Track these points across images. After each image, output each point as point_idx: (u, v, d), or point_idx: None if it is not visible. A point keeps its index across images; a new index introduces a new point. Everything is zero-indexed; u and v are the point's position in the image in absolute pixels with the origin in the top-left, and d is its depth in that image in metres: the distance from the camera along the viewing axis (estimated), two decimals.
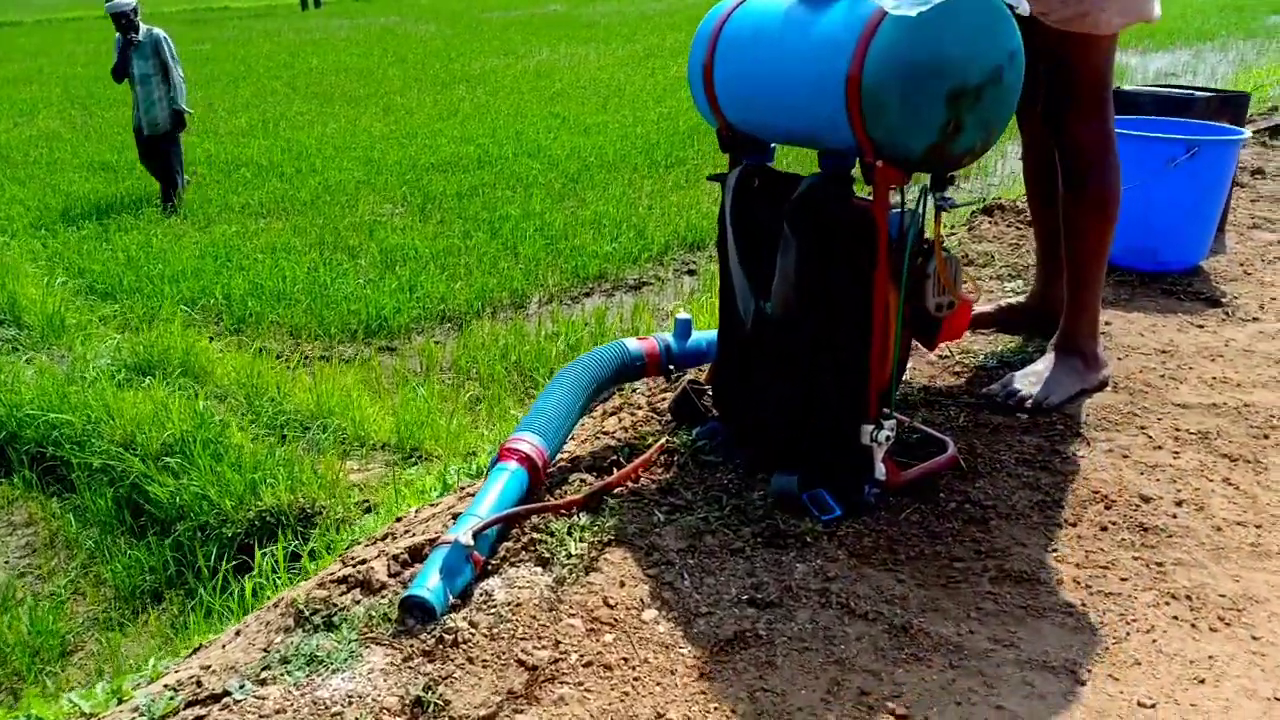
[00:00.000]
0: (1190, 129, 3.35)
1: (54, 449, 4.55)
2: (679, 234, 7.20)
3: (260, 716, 1.50)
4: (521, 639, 1.65)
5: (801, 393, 2.04)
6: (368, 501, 3.79)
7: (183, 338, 5.39)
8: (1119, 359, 2.69)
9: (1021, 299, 2.93)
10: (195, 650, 2.03)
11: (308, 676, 1.58)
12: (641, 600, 1.76)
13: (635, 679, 1.59)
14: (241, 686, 1.57)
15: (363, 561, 1.92)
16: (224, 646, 1.90)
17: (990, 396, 2.45)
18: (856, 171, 1.94)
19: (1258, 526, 1.98)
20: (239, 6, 34.50)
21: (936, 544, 1.91)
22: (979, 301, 2.97)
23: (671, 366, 2.51)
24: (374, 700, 1.52)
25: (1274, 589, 1.79)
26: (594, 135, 10.49)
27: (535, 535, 1.90)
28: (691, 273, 6.65)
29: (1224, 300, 3.12)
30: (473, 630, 1.65)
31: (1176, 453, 2.24)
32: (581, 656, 1.62)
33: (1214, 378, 2.59)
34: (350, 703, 1.52)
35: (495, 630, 1.66)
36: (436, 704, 1.51)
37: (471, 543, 1.78)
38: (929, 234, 1.92)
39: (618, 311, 5.98)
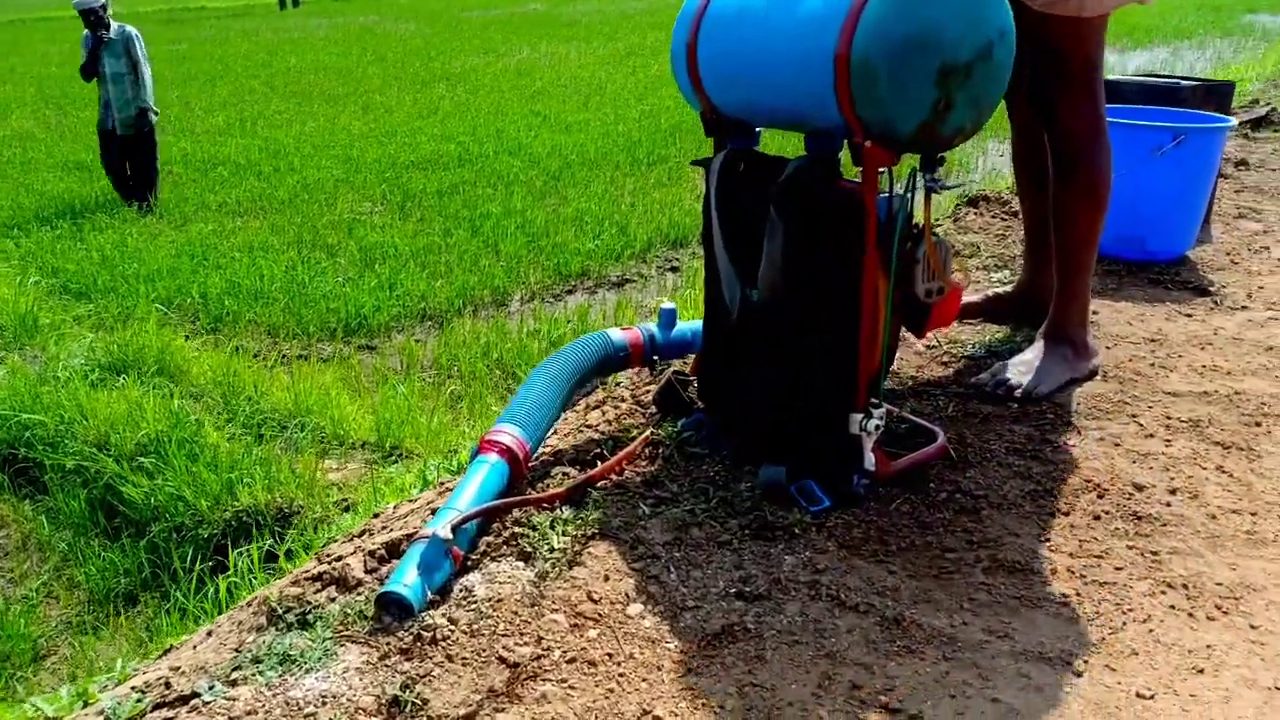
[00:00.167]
0: (1176, 117, 3.32)
1: (26, 450, 4.47)
2: (662, 231, 7.16)
3: (230, 718, 1.44)
4: (503, 635, 1.59)
5: (788, 376, 1.99)
6: (347, 500, 3.72)
7: (158, 337, 5.30)
8: (1108, 347, 2.66)
9: (1009, 289, 2.90)
10: (165, 651, 1.96)
11: (280, 676, 1.52)
12: (626, 594, 1.71)
13: (620, 675, 1.54)
14: (211, 687, 1.51)
15: (339, 558, 1.86)
16: (195, 647, 1.84)
17: (979, 386, 2.41)
18: (844, 155, 1.89)
19: (1253, 514, 1.94)
20: (216, 6, 34.24)
21: (927, 534, 1.87)
22: (966, 291, 2.93)
23: (656, 357, 2.46)
24: (349, 700, 1.46)
25: (1271, 577, 1.76)
26: (575, 133, 10.44)
27: (517, 529, 1.85)
28: (675, 269, 6.61)
29: (1212, 289, 3.10)
30: (452, 627, 1.60)
31: (1168, 441, 2.20)
32: (565, 653, 1.57)
33: (1204, 366, 2.56)
34: (324, 703, 1.46)
35: (475, 627, 1.61)
36: (414, 703, 1.45)
37: (450, 537, 1.72)
38: (918, 218, 1.87)
39: (600, 309, 5.93)
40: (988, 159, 8.73)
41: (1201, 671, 1.54)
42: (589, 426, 2.35)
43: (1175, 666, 1.55)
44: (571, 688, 1.50)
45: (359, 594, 1.72)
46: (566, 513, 1.91)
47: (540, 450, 2.23)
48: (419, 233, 7.30)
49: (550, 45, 18.77)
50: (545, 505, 1.92)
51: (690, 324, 2.50)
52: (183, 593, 3.31)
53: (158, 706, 1.53)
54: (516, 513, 1.89)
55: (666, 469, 2.09)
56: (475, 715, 1.44)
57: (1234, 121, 3.35)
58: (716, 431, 2.17)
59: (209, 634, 1.88)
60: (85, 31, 8.24)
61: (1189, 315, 2.91)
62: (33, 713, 1.74)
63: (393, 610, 1.63)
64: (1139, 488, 2.02)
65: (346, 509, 3.62)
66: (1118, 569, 1.78)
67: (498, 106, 12.43)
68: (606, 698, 1.49)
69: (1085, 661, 1.56)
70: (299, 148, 10.39)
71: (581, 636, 1.61)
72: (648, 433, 2.20)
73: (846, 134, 1.80)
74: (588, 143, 9.90)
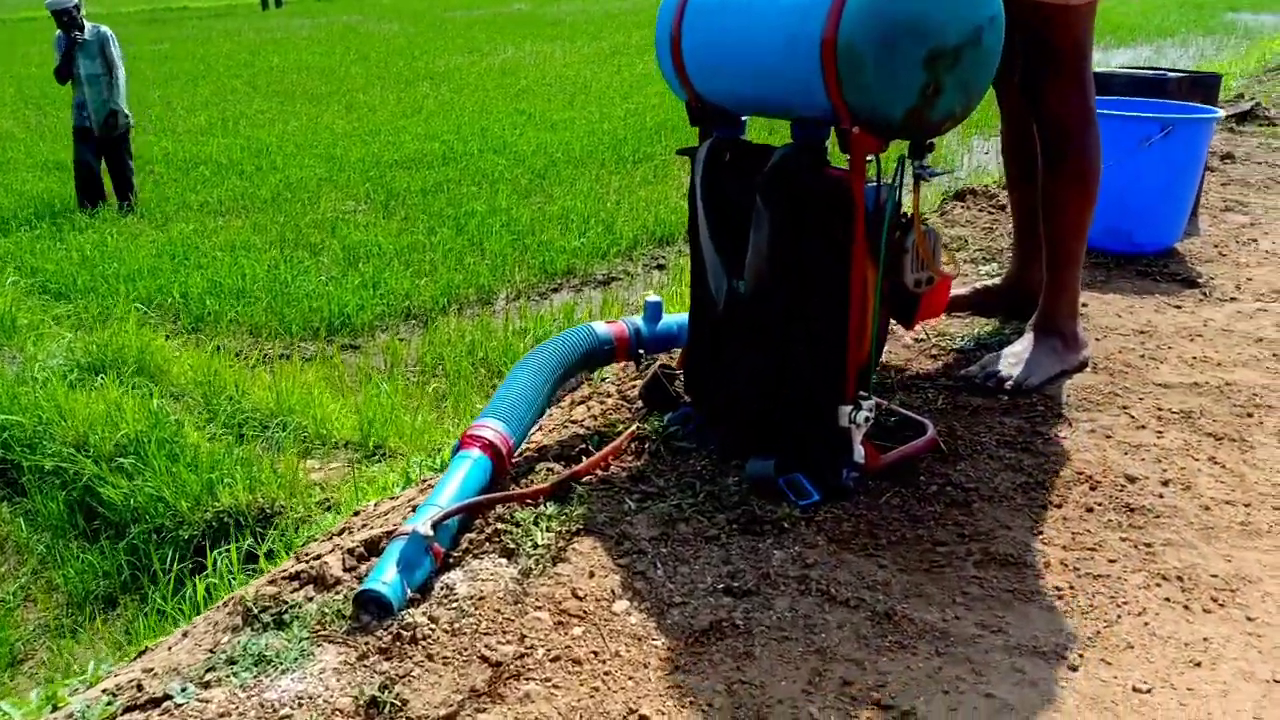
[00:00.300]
0: (1163, 109, 3.31)
1: (3, 452, 4.40)
2: (648, 229, 7.12)
3: None
4: (485, 634, 1.55)
5: (774, 364, 1.95)
6: (329, 500, 3.67)
7: (137, 336, 5.24)
8: (1097, 339, 2.63)
9: (997, 281, 2.87)
10: (140, 653, 1.91)
11: (255, 678, 1.48)
12: (612, 591, 1.67)
13: (606, 673, 1.50)
14: (184, 690, 1.47)
15: (317, 557, 1.81)
16: (170, 649, 1.79)
17: (969, 378, 2.39)
18: (832, 144, 1.86)
19: (1247, 505, 1.92)
20: (198, 6, 34.02)
21: (918, 528, 1.84)
22: (954, 285, 2.90)
23: (642, 351, 2.42)
24: (326, 701, 1.42)
25: (1267, 568, 1.73)
26: (561, 131, 10.39)
27: (500, 525, 1.81)
28: (661, 267, 6.57)
29: (1200, 281, 3.08)
30: (432, 626, 1.55)
31: (1160, 432, 2.18)
32: (549, 651, 1.53)
33: (1194, 357, 2.54)
34: (300, 704, 1.42)
35: (457, 625, 1.56)
36: (393, 704, 1.41)
37: (431, 533, 1.68)
38: (907, 207, 1.84)
39: (586, 307, 5.89)
40: (973, 156, 8.73)
41: (1199, 665, 1.51)
42: (574, 422, 2.30)
43: (1172, 660, 1.52)
44: (555, 687, 1.46)
45: (337, 593, 1.68)
46: (551, 508, 1.87)
47: (524, 446, 2.19)
48: (403, 231, 7.25)
49: (535, 44, 18.71)
50: (529, 501, 1.88)
51: (676, 317, 2.47)
52: (161, 595, 3.25)
53: (128, 710, 1.48)
54: (500, 509, 1.85)
55: (653, 464, 2.05)
56: (456, 716, 1.40)
57: (1221, 113, 3.33)
58: (704, 426, 2.13)
59: (184, 635, 1.83)
60: (58, 32, 8.06)
61: (1178, 307, 2.89)
62: (1, 718, 1.69)
63: (371, 609, 1.59)
64: (1131, 479, 1.99)
65: (329, 508, 3.57)
66: (1111, 561, 1.75)
67: (482, 105, 12.37)
68: (591, 697, 1.45)
69: (1080, 655, 1.53)
70: (282, 147, 10.31)
71: (566, 634, 1.57)
72: (634, 427, 2.16)
73: (834, 120, 1.77)
74: (573, 141, 9.86)
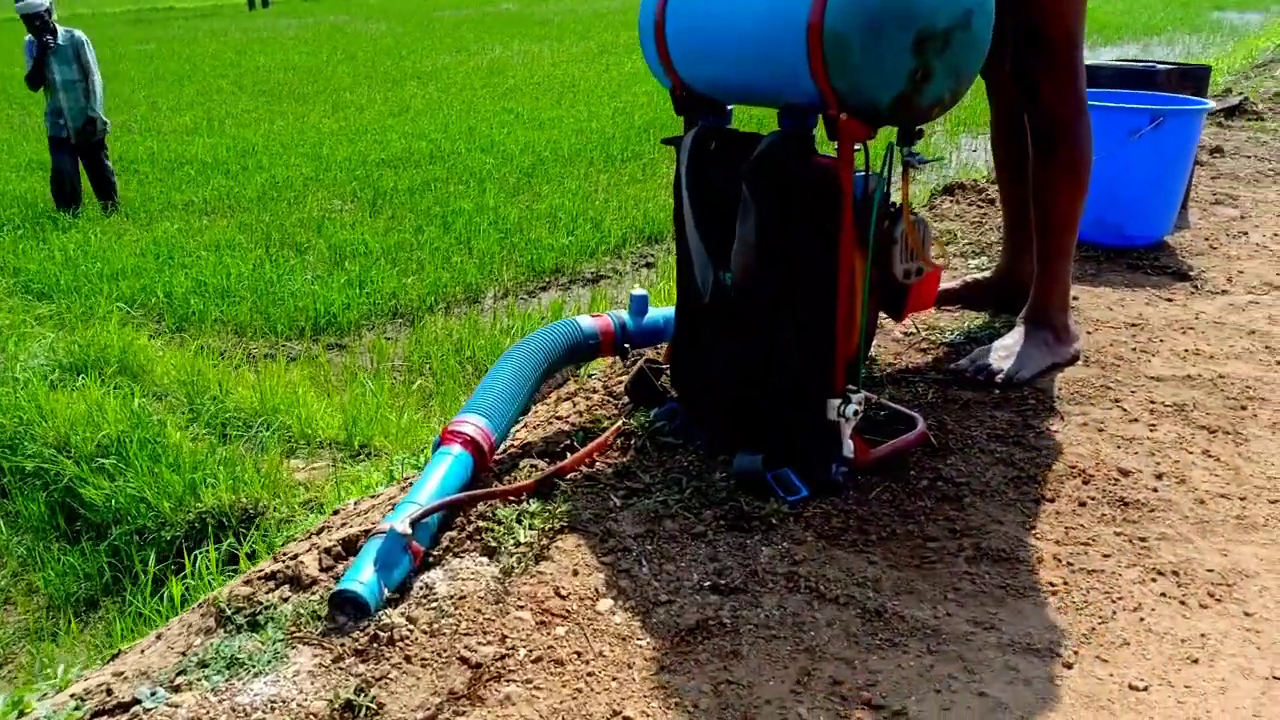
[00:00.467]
0: (1153, 101, 3.28)
1: None
2: (636, 227, 7.08)
3: None
4: (465, 635, 1.51)
5: (760, 352, 1.92)
6: (313, 500, 3.62)
7: (120, 336, 5.17)
8: (1089, 333, 2.60)
9: (987, 275, 2.84)
10: (112, 657, 1.86)
11: (227, 681, 1.43)
12: (596, 590, 1.63)
13: (589, 674, 1.45)
14: (153, 694, 1.42)
15: (293, 556, 1.77)
16: (142, 651, 1.74)
17: (959, 372, 2.35)
18: (820, 132, 1.82)
19: (1241, 499, 1.88)
20: (184, 6, 33.85)
21: (909, 523, 1.80)
22: (943, 278, 2.87)
23: (628, 345, 2.38)
24: (299, 705, 1.37)
25: (1263, 562, 1.70)
26: (548, 130, 10.34)
27: (481, 523, 1.76)
28: (649, 265, 6.53)
29: (1191, 274, 3.06)
30: (411, 626, 1.51)
31: (1153, 425, 2.15)
32: (530, 652, 1.49)
33: (1186, 350, 2.51)
34: (273, 708, 1.37)
35: (436, 626, 1.52)
36: (369, 707, 1.37)
37: (409, 531, 1.63)
38: (896, 196, 1.80)
39: (575, 305, 5.84)
40: (961, 154, 8.70)
41: (1196, 661, 1.48)
42: (559, 418, 2.26)
43: (1168, 656, 1.49)
44: (537, 688, 1.42)
45: (313, 593, 1.63)
46: (534, 505, 1.83)
47: (508, 442, 2.15)
48: (390, 230, 7.19)
49: (523, 44, 18.64)
50: (511, 498, 1.84)
51: (663, 311, 2.43)
52: (141, 597, 3.20)
53: (96, 715, 1.44)
54: (481, 506, 1.81)
55: (639, 460, 2.01)
56: (434, 719, 1.36)
57: (1211, 104, 3.31)
58: (690, 421, 2.09)
59: (158, 638, 1.78)
60: (28, 37, 7.86)
61: (1169, 300, 2.86)
62: None
63: (347, 609, 1.54)
64: (1125, 473, 1.96)
65: (313, 508, 3.52)
66: (1106, 556, 1.72)
67: (470, 104, 12.31)
68: (574, 698, 1.41)
69: (1075, 652, 1.49)
70: (268, 146, 10.22)
71: (548, 634, 1.53)
72: (619, 423, 2.12)
73: (821, 107, 1.73)
74: (561, 139, 9.80)
